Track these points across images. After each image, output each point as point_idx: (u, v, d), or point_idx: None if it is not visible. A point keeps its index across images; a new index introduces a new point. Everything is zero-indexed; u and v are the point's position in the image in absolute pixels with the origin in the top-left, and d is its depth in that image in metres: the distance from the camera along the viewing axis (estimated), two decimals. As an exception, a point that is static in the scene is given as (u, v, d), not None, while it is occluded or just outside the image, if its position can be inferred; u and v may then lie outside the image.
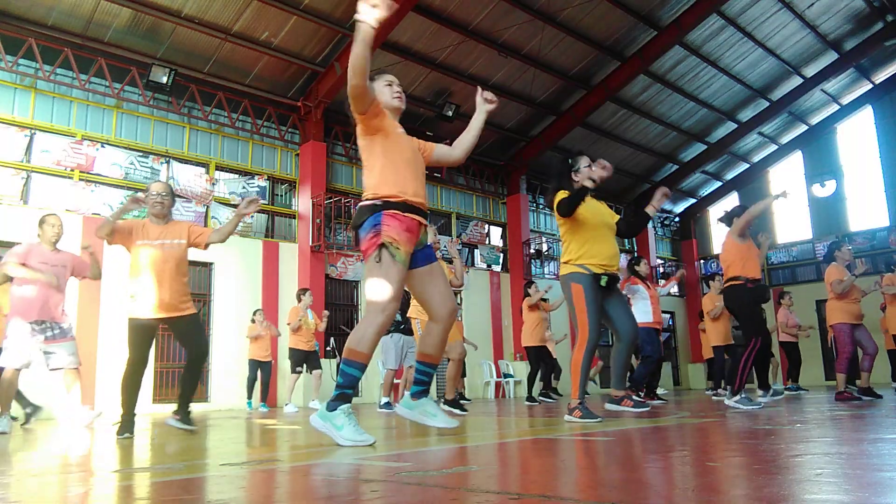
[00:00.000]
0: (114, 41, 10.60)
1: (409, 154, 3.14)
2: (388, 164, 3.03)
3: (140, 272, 4.11)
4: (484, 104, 3.40)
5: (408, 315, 6.43)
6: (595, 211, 4.43)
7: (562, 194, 4.38)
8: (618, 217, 4.59)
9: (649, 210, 4.56)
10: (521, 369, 14.61)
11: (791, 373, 9.95)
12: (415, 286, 3.15)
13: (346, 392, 2.85)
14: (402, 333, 7.15)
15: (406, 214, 2.98)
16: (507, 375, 14.27)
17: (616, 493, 1.48)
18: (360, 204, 3.05)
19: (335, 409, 2.81)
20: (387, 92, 3.20)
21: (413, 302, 6.10)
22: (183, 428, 4.11)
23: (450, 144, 3.52)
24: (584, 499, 1.41)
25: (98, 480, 2.18)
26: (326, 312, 9.89)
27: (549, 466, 2.16)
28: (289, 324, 9.04)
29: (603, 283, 4.28)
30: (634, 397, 4.48)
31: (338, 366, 9.77)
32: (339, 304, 12.35)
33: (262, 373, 9.81)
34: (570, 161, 4.56)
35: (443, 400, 6.23)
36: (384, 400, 7.46)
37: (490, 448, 2.79)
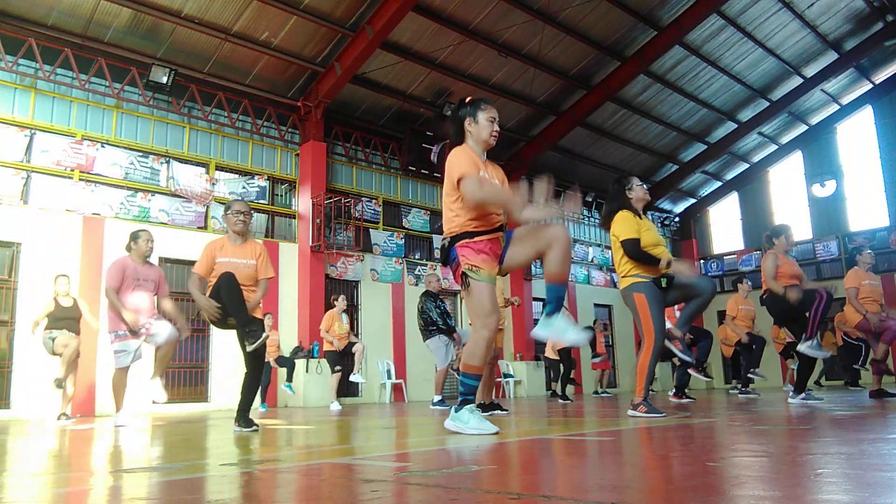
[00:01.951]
0: (114, 41, 10.60)
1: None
2: (462, 209, 3.28)
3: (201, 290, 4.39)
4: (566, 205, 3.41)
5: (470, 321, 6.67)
6: (648, 227, 4.68)
7: (622, 219, 4.64)
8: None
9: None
10: (520, 369, 14.63)
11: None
12: (519, 260, 3.38)
13: (467, 398, 3.29)
14: (445, 334, 7.47)
15: (476, 239, 3.26)
16: (507, 375, 14.27)
17: (616, 494, 1.48)
18: (441, 245, 3.40)
19: (461, 411, 3.25)
20: (486, 128, 3.39)
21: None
22: (248, 431, 4.23)
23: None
24: (584, 499, 1.41)
25: (98, 480, 2.18)
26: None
27: (549, 466, 2.16)
28: (323, 329, 9.23)
29: (663, 283, 4.53)
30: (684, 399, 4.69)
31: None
32: (334, 303, 12.32)
33: (283, 365, 10.35)
34: (623, 181, 4.85)
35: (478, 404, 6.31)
36: (437, 398, 7.57)
37: (490, 448, 2.79)
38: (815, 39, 15.60)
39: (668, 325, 4.88)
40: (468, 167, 3.21)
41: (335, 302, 9.42)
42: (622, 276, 4.68)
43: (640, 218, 4.70)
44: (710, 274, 20.54)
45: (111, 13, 10.20)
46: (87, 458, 3.08)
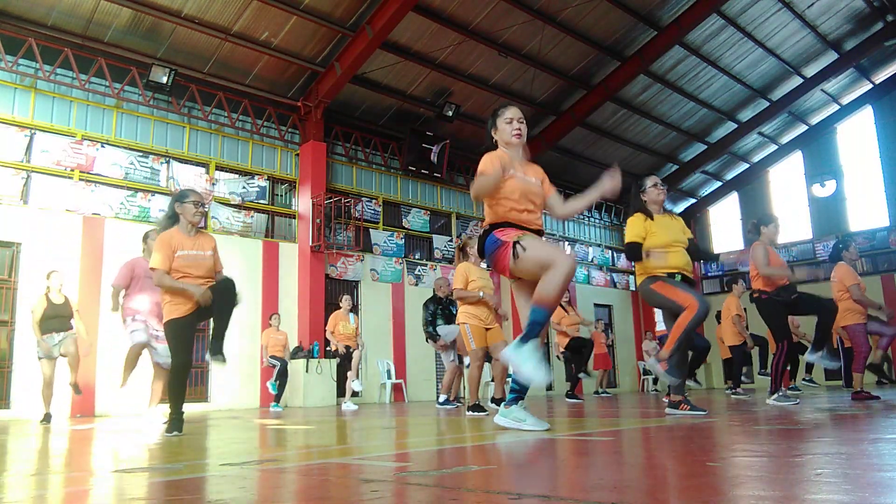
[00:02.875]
0: (114, 41, 10.60)
1: (520, 190, 3.47)
2: (499, 203, 3.47)
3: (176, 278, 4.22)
4: (605, 187, 3.53)
5: (457, 321, 6.47)
6: (666, 227, 4.67)
7: (630, 224, 4.70)
8: (690, 234, 4.84)
9: (722, 256, 5.17)
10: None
11: (792, 373, 9.97)
12: (520, 295, 3.53)
13: (520, 395, 3.47)
14: (430, 339, 7.50)
15: (513, 228, 3.39)
16: (507, 375, 14.26)
17: (616, 494, 1.48)
18: (479, 237, 3.56)
19: (512, 407, 3.42)
20: (507, 130, 3.59)
21: (462, 309, 6.17)
22: (214, 360, 4.20)
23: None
24: (584, 499, 1.41)
25: (98, 480, 2.18)
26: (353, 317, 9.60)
27: (550, 466, 2.16)
28: (328, 330, 9.19)
29: (678, 278, 4.55)
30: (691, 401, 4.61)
31: (338, 365, 9.73)
32: (339, 304, 12.31)
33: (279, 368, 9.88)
34: (638, 183, 4.86)
35: (490, 400, 6.24)
36: (443, 397, 7.55)
37: (490, 448, 2.80)
38: (815, 39, 15.59)
39: (655, 349, 4.82)
40: (487, 166, 3.42)
41: (340, 303, 9.40)
42: (638, 275, 4.73)
43: (653, 219, 4.67)
44: (709, 274, 20.57)
45: (111, 13, 10.19)
46: (87, 458, 3.08)
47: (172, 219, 4.34)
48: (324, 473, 2.10)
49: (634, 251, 4.60)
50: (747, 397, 8.21)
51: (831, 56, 16.30)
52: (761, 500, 1.35)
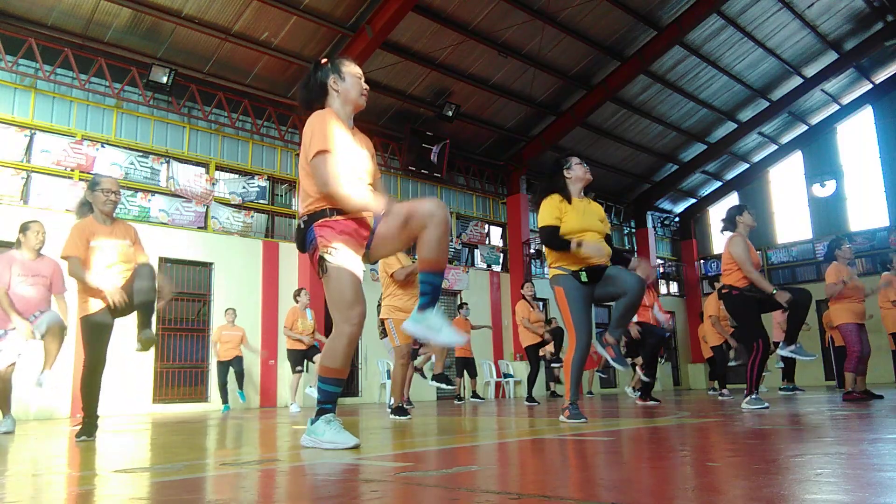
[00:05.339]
0: (114, 41, 10.60)
1: (351, 159, 2.85)
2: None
3: (91, 271, 4.00)
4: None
5: (380, 317, 6.03)
6: (582, 213, 4.26)
7: (545, 206, 4.30)
8: (608, 228, 4.44)
9: (633, 263, 4.59)
10: (521, 369, 14.63)
11: (786, 373, 9.98)
12: (389, 243, 2.82)
13: (325, 408, 2.81)
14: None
15: (338, 218, 2.74)
16: (507, 375, 14.28)
17: (615, 494, 1.48)
18: (297, 226, 2.87)
19: (317, 422, 2.79)
20: (356, 87, 2.93)
21: (385, 302, 5.76)
22: (143, 338, 3.96)
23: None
24: (584, 499, 1.41)
25: (98, 480, 2.18)
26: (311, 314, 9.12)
27: (549, 466, 2.16)
28: (285, 326, 8.85)
29: (583, 278, 4.15)
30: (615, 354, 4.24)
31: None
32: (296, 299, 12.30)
33: (233, 368, 9.57)
34: (561, 161, 4.48)
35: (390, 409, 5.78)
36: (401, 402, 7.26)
37: (490, 448, 2.79)
38: (815, 39, 15.60)
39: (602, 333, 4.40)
40: (329, 140, 2.71)
41: (297, 298, 8.95)
42: (549, 266, 4.35)
43: (570, 202, 4.27)
44: (709, 274, 20.57)
45: (111, 13, 10.20)
46: (87, 458, 3.08)
47: (86, 206, 4.15)
48: (324, 473, 2.10)
49: (551, 236, 4.16)
50: (733, 398, 8.19)
51: (831, 56, 16.30)
52: (761, 500, 1.35)
